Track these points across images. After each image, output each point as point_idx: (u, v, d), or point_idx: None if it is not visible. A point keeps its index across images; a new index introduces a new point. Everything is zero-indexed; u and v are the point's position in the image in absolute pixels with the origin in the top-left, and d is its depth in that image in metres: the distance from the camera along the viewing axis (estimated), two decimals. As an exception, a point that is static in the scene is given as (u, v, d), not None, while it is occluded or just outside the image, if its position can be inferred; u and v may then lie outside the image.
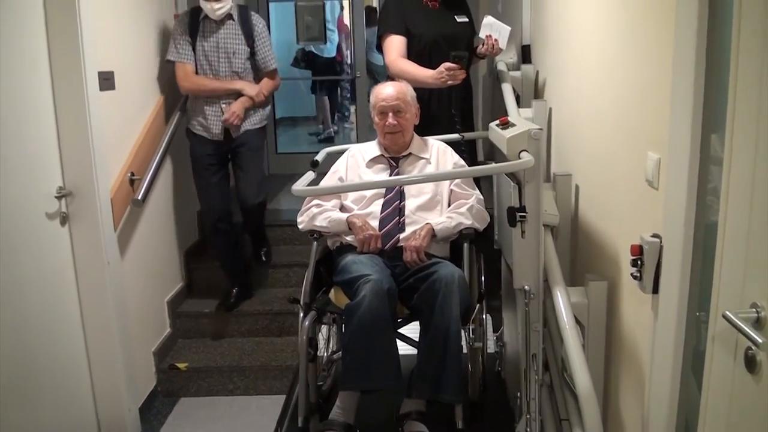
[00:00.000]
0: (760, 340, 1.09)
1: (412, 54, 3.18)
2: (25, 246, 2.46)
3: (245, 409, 3.30)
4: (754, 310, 1.19)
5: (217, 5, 3.34)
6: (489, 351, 3.23)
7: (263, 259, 4.01)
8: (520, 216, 2.07)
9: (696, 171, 1.47)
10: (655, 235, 1.68)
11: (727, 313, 1.19)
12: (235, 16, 3.48)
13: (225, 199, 3.62)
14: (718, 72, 1.41)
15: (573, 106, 2.65)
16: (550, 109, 2.98)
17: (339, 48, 6.96)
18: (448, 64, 2.97)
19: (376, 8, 6.43)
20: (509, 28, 3.00)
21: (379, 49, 3.31)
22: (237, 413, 3.28)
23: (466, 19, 3.31)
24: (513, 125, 2.20)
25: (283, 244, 4.21)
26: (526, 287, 2.14)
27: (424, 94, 3.14)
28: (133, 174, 3.11)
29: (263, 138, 3.79)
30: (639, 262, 1.72)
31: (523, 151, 2.06)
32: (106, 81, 2.85)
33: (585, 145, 2.46)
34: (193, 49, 3.42)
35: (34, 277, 2.50)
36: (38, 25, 2.53)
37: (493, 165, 2.42)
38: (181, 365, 3.44)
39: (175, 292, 3.76)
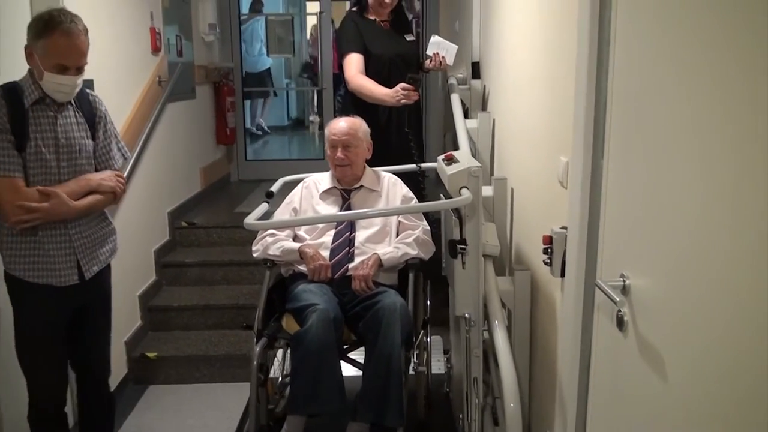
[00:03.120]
0: (617, 299, 1.38)
1: (371, 72, 3.46)
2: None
3: (210, 395, 3.52)
4: (621, 279, 1.48)
5: (73, 80, 2.24)
6: (438, 372, 3.42)
7: None
8: (461, 248, 2.21)
9: (589, 170, 1.76)
10: (563, 227, 1.97)
11: (598, 281, 1.48)
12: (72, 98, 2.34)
13: (64, 386, 2.48)
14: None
15: (510, 118, 2.95)
16: (494, 120, 3.29)
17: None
18: (403, 85, 3.26)
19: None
20: (456, 47, 3.30)
21: (340, 66, 3.60)
22: (203, 399, 3.50)
23: (413, 38, 3.63)
24: (456, 161, 2.35)
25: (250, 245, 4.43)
26: (466, 315, 2.27)
27: (383, 115, 3.44)
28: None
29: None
30: (549, 250, 2.00)
31: (463, 188, 2.21)
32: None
33: (518, 151, 2.76)
34: (21, 149, 2.20)
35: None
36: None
37: (435, 202, 2.56)
38: (151, 354, 3.66)
39: (147, 287, 3.97)
